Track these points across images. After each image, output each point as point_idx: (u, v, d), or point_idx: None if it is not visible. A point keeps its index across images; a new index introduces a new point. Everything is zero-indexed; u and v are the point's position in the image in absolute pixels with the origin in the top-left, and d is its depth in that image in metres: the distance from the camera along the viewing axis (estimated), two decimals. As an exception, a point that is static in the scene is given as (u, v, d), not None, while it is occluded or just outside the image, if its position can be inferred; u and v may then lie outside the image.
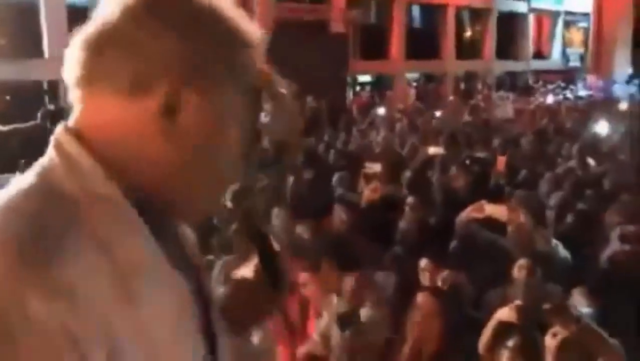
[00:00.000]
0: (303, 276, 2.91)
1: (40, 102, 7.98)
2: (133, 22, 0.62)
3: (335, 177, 4.94)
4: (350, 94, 13.60)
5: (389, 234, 3.78)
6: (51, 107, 4.37)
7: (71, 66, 0.64)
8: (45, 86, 9.25)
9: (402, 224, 3.76)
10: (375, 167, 5.28)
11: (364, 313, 2.70)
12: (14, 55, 9.49)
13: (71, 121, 0.66)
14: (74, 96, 0.65)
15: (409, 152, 6.73)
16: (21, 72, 9.04)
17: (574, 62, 23.42)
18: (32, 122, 4.41)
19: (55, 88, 5.51)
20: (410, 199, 4.09)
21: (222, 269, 3.62)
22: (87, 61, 0.63)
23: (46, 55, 10.06)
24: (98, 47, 0.62)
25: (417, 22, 18.75)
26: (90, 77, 0.63)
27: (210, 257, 3.85)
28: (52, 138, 0.64)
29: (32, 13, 10.16)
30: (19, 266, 0.53)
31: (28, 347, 0.52)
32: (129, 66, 0.61)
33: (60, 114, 4.63)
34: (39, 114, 4.47)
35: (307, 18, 12.79)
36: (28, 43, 10.02)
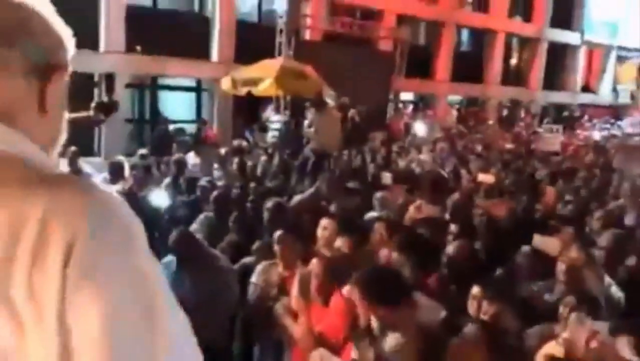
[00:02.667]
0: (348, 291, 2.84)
1: (89, 94, 8.21)
2: None
3: (377, 195, 4.87)
4: (391, 111, 13.55)
5: (434, 258, 3.68)
6: (104, 98, 4.44)
7: None
8: (96, 78, 9.50)
9: (449, 249, 3.66)
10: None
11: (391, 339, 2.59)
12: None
13: None
14: None
15: (450, 175, 6.63)
16: (76, 63, 9.31)
17: (624, 99, 22.80)
18: (83, 113, 4.45)
19: (108, 80, 5.66)
20: (456, 226, 3.99)
21: (262, 274, 3.62)
22: None
23: (101, 49, 10.35)
24: None
25: (464, 46, 18.60)
26: None
27: (249, 260, 3.85)
28: None
29: (92, 7, 10.48)
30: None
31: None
32: None
33: (112, 104, 4.67)
34: (91, 105, 4.50)
35: (357, 34, 12.85)
36: (84, 36, 10.34)
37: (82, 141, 8.48)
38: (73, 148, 7.24)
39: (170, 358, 0.69)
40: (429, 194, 5.08)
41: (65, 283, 0.63)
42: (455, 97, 17.94)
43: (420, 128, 11.96)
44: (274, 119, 9.99)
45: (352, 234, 3.73)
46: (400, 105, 14.79)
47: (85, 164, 7.54)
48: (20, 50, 0.74)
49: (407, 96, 16.31)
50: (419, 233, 4.01)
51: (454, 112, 16.87)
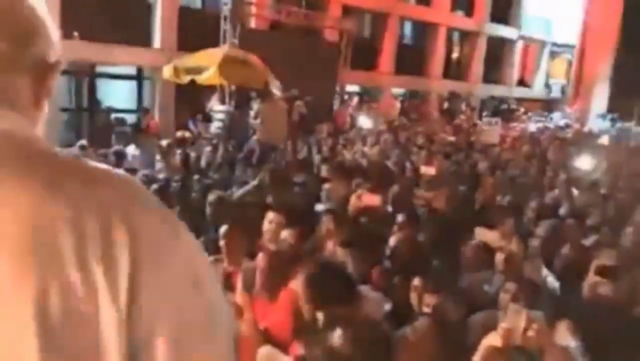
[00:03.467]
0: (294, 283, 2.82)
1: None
2: None
3: (325, 187, 4.87)
4: (337, 103, 13.61)
5: (378, 250, 3.72)
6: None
7: None
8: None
9: (392, 240, 3.71)
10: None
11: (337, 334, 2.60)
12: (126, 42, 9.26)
13: None
14: None
15: (395, 167, 6.73)
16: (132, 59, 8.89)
17: (555, 93, 23.96)
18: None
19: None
20: (400, 217, 4.04)
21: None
22: None
23: (156, 46, 9.86)
24: None
25: (408, 39, 18.91)
26: None
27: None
28: None
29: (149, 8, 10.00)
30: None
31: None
32: None
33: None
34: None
35: (303, 23, 12.78)
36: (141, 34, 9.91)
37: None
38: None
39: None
40: (373, 185, 5.14)
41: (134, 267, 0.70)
42: (399, 90, 18.24)
43: (365, 120, 12.08)
44: (219, 109, 9.79)
45: (298, 227, 3.72)
46: (346, 97, 14.89)
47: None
48: (29, 51, 0.80)
49: (352, 87, 16.43)
50: (362, 225, 4.04)
51: (398, 105, 17.17)
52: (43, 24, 0.83)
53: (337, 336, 2.55)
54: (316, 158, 7.22)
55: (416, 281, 3.06)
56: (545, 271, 3.46)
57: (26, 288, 0.67)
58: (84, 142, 7.33)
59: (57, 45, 0.86)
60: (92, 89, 11.90)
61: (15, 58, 0.79)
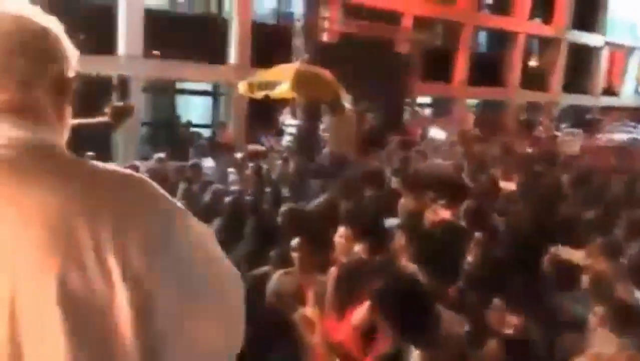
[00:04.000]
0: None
1: (105, 97, 8.21)
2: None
3: (400, 202, 4.77)
4: (408, 114, 13.43)
5: (453, 266, 3.57)
6: (119, 104, 4.43)
7: None
8: (114, 82, 9.55)
9: (470, 257, 3.55)
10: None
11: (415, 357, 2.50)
12: (89, 50, 9.83)
13: None
14: None
15: (470, 180, 6.49)
16: (95, 67, 9.32)
17: (646, 101, 22.38)
18: (99, 118, 4.43)
19: (124, 85, 5.68)
20: (477, 233, 3.87)
21: (278, 283, 3.55)
22: None
23: (119, 52, 10.40)
24: None
25: (483, 48, 18.39)
26: None
27: (266, 268, 3.78)
28: None
29: (110, 13, 10.54)
30: None
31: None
32: None
33: (127, 109, 4.62)
34: (106, 110, 4.46)
35: (374, 36, 12.76)
36: (103, 41, 10.39)
37: (98, 145, 8.52)
38: (90, 153, 7.27)
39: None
40: (448, 199, 4.97)
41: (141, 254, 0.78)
42: (473, 101, 17.74)
43: (437, 132, 11.82)
44: (290, 123, 9.93)
45: (370, 241, 3.65)
46: (418, 108, 14.66)
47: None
48: (49, 68, 0.89)
49: (424, 99, 16.17)
50: (436, 241, 3.90)
51: (472, 116, 16.68)
52: (59, 42, 0.92)
53: (414, 357, 2.46)
54: (387, 171, 7.12)
55: (496, 301, 2.92)
56: (638, 294, 3.17)
57: (49, 273, 0.75)
58: (161, 155, 7.66)
59: (74, 61, 0.94)
60: (171, 105, 12.48)
61: (37, 75, 0.87)
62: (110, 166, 0.86)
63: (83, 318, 0.75)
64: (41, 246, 0.76)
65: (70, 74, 0.94)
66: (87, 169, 0.84)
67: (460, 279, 3.55)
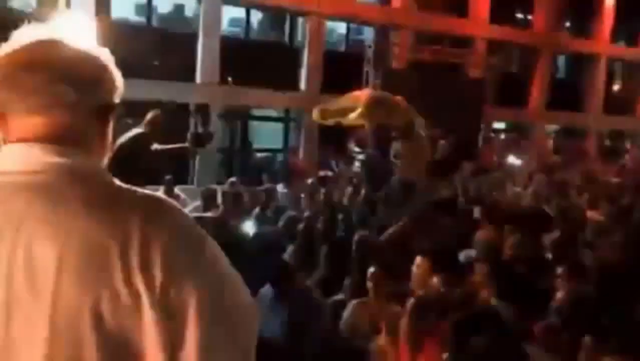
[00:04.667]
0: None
1: (184, 124, 8.55)
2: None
3: (478, 232, 4.58)
4: (482, 140, 13.04)
5: (540, 302, 3.36)
6: (199, 130, 4.59)
7: None
8: (193, 109, 9.95)
9: (559, 293, 3.32)
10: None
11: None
12: (168, 77, 10.35)
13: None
14: None
15: (552, 211, 6.14)
16: (172, 94, 9.75)
17: None
18: (180, 145, 4.62)
19: (204, 112, 5.87)
20: (563, 267, 3.63)
21: (353, 313, 3.48)
22: None
23: (198, 80, 10.87)
24: None
25: (562, 72, 17.65)
26: None
27: (341, 297, 3.72)
28: None
29: (190, 42, 11.05)
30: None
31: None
32: None
33: (207, 136, 4.78)
34: (188, 136, 4.65)
35: (446, 61, 12.59)
36: (182, 68, 10.91)
37: (177, 169, 8.86)
38: (168, 177, 7.56)
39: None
40: (529, 231, 4.72)
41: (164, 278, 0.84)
42: (551, 127, 16.98)
43: (514, 159, 11.37)
44: (359, 150, 9.91)
45: (448, 273, 3.51)
46: (492, 134, 14.22)
47: (180, 192, 7.85)
48: (94, 95, 0.93)
49: (499, 124, 15.67)
50: (521, 275, 3.69)
51: (551, 142, 15.95)
52: (106, 70, 0.96)
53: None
54: (461, 199, 6.89)
55: (587, 340, 2.71)
56: None
57: (85, 297, 0.82)
58: (233, 179, 7.85)
59: (120, 88, 0.99)
60: (244, 131, 12.84)
61: (81, 102, 0.91)
62: (140, 189, 0.93)
63: (114, 340, 0.82)
64: (79, 269, 0.82)
65: (115, 100, 0.98)
66: (119, 192, 0.90)
67: (549, 316, 3.33)
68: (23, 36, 0.93)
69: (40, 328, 0.82)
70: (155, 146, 4.13)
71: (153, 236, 0.85)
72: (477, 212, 4.86)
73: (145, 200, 0.90)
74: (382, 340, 3.27)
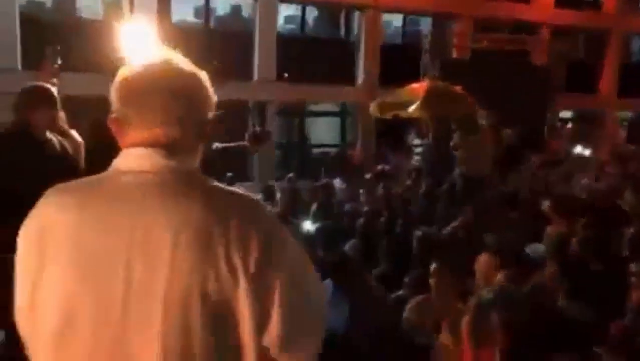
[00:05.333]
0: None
1: (242, 121, 8.69)
2: None
3: (548, 228, 4.37)
4: (550, 130, 12.47)
5: (615, 302, 3.15)
6: (257, 129, 4.63)
7: None
8: (251, 107, 10.11)
9: (635, 293, 3.10)
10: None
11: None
12: (227, 75, 10.54)
13: None
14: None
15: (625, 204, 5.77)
16: (231, 93, 9.90)
17: None
18: (240, 143, 4.66)
19: (261, 110, 5.95)
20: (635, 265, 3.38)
21: (415, 309, 3.41)
22: None
23: (255, 77, 11.03)
24: None
25: (635, 55, 16.58)
26: None
27: (401, 293, 3.66)
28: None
29: (247, 39, 11.23)
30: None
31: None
32: None
33: (266, 135, 4.79)
34: (246, 135, 4.69)
35: (507, 49, 12.12)
36: (240, 66, 11.09)
37: (237, 166, 9.04)
38: (230, 174, 7.73)
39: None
40: (602, 225, 4.45)
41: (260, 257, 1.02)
42: (624, 114, 16.00)
43: (583, 149, 10.80)
44: (419, 143, 9.73)
45: (514, 269, 3.37)
46: (560, 124, 13.57)
47: (241, 189, 8.01)
48: (197, 116, 1.11)
49: (567, 113, 14.93)
50: (594, 273, 3.49)
51: (623, 131, 15.03)
52: (207, 90, 1.12)
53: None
54: (527, 192, 6.61)
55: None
56: None
57: (195, 275, 0.99)
58: (292, 175, 7.91)
59: (214, 104, 1.14)
60: (302, 126, 12.91)
61: (188, 115, 1.09)
62: (229, 187, 1.11)
63: (215, 309, 0.99)
64: (191, 249, 0.98)
65: (211, 115, 1.13)
66: (216, 188, 1.08)
67: (624, 317, 3.12)
68: (142, 57, 1.11)
69: (157, 303, 0.98)
70: (216, 145, 4.21)
71: (251, 234, 1.02)
72: (545, 205, 4.62)
73: (241, 200, 1.08)
74: (444, 337, 3.20)
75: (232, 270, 0.99)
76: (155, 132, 1.06)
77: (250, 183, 9.90)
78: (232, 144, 4.37)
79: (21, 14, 10.03)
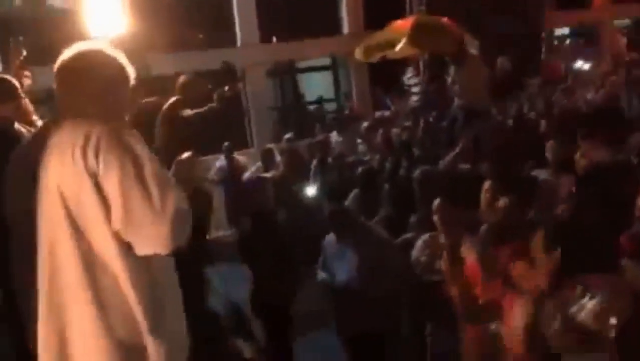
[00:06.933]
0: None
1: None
2: None
3: (547, 146, 4.25)
4: (545, 51, 12.10)
5: (624, 213, 3.06)
6: (224, 89, 4.45)
7: None
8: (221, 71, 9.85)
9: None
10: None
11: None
12: (211, 46, 10.31)
13: None
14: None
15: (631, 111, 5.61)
16: (215, 63, 9.72)
17: None
18: (209, 105, 4.50)
19: (230, 71, 5.70)
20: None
21: (423, 248, 3.36)
22: None
23: (238, 43, 10.76)
24: None
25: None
26: None
27: (409, 235, 3.60)
28: None
29: (226, 6, 10.91)
30: None
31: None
32: None
33: (232, 93, 4.63)
34: (214, 96, 4.53)
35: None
36: (222, 34, 10.82)
37: (235, 135, 8.92)
38: (226, 143, 7.62)
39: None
40: (604, 137, 4.30)
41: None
42: (622, 22, 15.47)
43: (583, 64, 10.49)
44: (414, 82, 9.50)
45: (517, 194, 3.28)
46: (556, 42, 13.15)
47: (241, 156, 7.93)
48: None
49: (562, 30, 14.46)
50: (602, 185, 3.38)
51: (624, 39, 14.57)
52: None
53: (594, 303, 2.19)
54: (532, 115, 6.45)
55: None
56: None
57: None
58: (289, 135, 7.79)
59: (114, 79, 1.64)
60: (294, 85, 12.69)
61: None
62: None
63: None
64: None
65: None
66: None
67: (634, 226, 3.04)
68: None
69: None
70: (187, 112, 4.11)
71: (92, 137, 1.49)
72: (544, 125, 4.48)
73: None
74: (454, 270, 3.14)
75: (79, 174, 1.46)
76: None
77: (250, 149, 9.80)
78: (201, 109, 4.25)
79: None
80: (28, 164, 1.51)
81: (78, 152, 1.40)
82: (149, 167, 1.46)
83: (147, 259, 1.48)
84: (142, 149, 1.48)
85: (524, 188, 3.34)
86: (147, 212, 1.42)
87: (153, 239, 1.45)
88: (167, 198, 1.44)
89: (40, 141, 1.51)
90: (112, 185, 1.42)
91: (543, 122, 5.06)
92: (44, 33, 7.68)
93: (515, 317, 2.58)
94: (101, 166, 1.42)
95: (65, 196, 1.44)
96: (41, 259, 1.48)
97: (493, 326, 2.69)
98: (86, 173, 1.41)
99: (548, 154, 4.16)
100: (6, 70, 3.36)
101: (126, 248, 1.45)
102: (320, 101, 12.10)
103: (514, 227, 3.01)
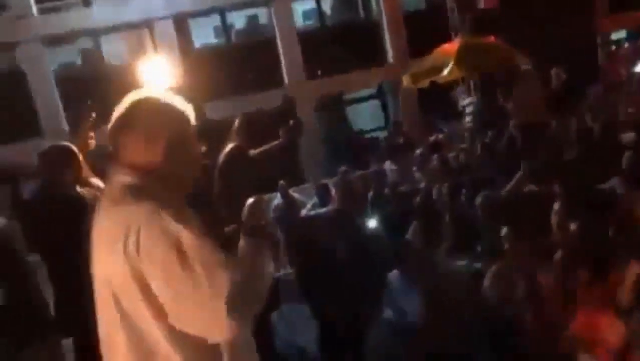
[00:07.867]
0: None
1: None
2: None
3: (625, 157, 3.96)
4: (602, 57, 11.58)
5: None
6: (293, 125, 4.40)
7: None
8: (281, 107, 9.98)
9: None
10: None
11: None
12: (259, 88, 10.54)
13: None
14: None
15: None
16: (264, 104, 9.92)
17: None
18: (274, 142, 4.43)
19: (289, 104, 5.74)
20: None
21: (496, 278, 3.17)
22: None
23: (285, 82, 10.96)
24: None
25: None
26: None
27: (478, 265, 3.42)
28: None
29: (270, 46, 11.17)
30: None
31: None
32: None
33: (296, 125, 4.59)
34: (280, 133, 4.45)
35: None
36: (269, 76, 11.04)
37: (289, 172, 8.97)
38: (281, 182, 7.63)
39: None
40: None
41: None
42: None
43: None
44: (466, 103, 9.27)
45: (589, 214, 3.06)
46: (613, 47, 12.56)
47: (296, 193, 7.91)
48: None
49: (619, 34, 13.82)
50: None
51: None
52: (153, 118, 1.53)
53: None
54: (596, 127, 6.10)
55: None
56: None
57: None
58: (344, 168, 7.71)
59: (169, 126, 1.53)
60: (343, 117, 12.71)
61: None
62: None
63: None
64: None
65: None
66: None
67: None
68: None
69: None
70: (252, 152, 4.07)
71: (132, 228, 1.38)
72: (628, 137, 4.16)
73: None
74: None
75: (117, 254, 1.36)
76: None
77: (305, 185, 9.81)
78: (267, 146, 4.21)
79: (56, 77, 10.53)
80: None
81: (120, 247, 1.33)
82: (193, 251, 1.35)
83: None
84: (186, 235, 1.36)
85: (600, 205, 3.10)
86: (197, 298, 1.33)
87: (210, 323, 1.35)
88: (216, 277, 1.34)
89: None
90: (157, 284, 1.35)
91: (624, 135, 4.75)
92: (105, 90, 8.08)
93: (608, 340, 2.39)
94: (145, 264, 1.34)
95: (114, 285, 1.38)
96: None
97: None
98: (127, 265, 1.34)
99: (625, 165, 3.88)
100: (73, 131, 3.45)
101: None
102: (364, 132, 12.05)
103: (590, 251, 2.80)
